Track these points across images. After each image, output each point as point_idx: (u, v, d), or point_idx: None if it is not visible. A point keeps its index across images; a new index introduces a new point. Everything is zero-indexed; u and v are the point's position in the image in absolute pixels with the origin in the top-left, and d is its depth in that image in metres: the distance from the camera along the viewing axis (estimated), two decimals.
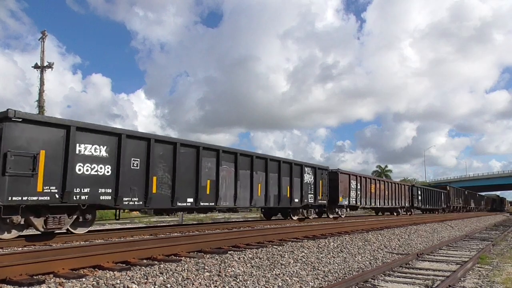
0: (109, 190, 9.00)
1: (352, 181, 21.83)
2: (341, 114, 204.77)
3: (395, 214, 29.43)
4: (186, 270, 5.81)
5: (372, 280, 6.70)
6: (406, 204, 30.43)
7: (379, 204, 25.57)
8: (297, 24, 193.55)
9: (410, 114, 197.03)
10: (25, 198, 7.53)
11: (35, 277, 4.90)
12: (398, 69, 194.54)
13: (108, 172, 8.99)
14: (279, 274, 6.46)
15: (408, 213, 31.47)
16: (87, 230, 9.30)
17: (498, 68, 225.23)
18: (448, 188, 44.67)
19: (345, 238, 10.96)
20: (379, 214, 31.18)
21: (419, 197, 32.95)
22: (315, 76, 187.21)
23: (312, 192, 17.70)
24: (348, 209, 22.45)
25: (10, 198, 7.31)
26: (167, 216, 23.94)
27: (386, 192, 26.55)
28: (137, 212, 25.11)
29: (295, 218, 17.36)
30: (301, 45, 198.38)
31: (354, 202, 21.78)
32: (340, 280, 6.51)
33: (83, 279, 4.91)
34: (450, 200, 43.90)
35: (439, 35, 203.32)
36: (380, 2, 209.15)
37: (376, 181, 25.45)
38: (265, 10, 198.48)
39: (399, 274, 7.41)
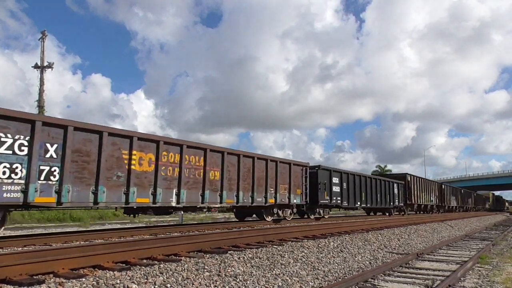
0: None
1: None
2: (340, 114, 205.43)
3: (267, 219, 15.79)
4: (186, 270, 5.81)
5: (372, 280, 6.70)
6: (297, 201, 16.86)
7: (185, 199, 11.18)
8: (296, 24, 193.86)
9: (409, 114, 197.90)
10: None
11: (35, 277, 4.90)
12: (397, 69, 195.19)
13: None
14: (279, 274, 6.46)
15: (312, 216, 18.64)
16: None
17: (497, 68, 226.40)
18: (408, 178, 30.18)
19: (345, 238, 10.96)
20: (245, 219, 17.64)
21: (335, 189, 19.25)
22: (314, 76, 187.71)
23: None
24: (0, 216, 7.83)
25: None
26: (167, 216, 23.92)
27: (231, 175, 13.07)
28: None
29: None
30: (300, 45, 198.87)
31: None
32: (340, 280, 6.51)
33: (83, 279, 4.91)
34: (412, 195, 30.28)
35: (438, 36, 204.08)
36: (379, 2, 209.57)
37: (185, 150, 11.20)
38: (265, 10, 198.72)
39: (399, 274, 7.41)
